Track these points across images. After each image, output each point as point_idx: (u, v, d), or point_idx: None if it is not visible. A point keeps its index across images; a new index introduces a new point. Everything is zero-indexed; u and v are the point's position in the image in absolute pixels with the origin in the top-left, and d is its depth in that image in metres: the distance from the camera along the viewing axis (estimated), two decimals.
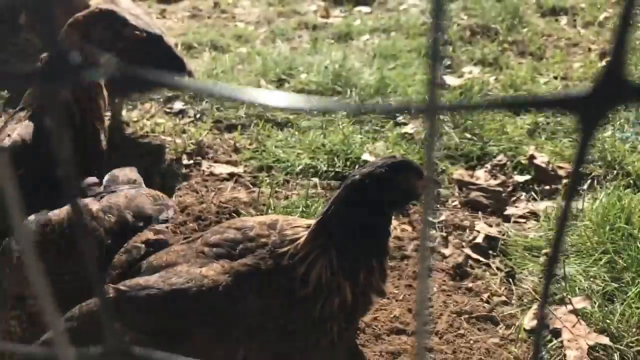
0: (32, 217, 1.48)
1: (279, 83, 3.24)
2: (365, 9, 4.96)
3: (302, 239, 1.36)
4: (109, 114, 2.70)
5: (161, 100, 2.85)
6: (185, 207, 2.06)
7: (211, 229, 1.52)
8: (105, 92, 1.96)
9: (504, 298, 1.75)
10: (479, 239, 1.98)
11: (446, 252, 1.95)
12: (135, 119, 2.78)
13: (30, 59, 3.80)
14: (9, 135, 1.75)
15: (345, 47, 4.03)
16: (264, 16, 4.72)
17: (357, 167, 2.37)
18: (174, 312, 1.36)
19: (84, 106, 1.85)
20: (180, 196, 2.17)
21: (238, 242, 1.41)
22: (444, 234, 2.05)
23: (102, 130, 1.93)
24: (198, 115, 2.83)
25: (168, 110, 2.88)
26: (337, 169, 2.36)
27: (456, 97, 3.17)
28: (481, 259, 1.92)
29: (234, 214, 1.99)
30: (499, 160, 2.51)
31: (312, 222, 1.40)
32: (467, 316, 1.66)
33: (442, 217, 2.15)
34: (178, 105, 2.92)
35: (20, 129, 1.77)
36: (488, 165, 2.50)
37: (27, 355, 0.76)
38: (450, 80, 3.43)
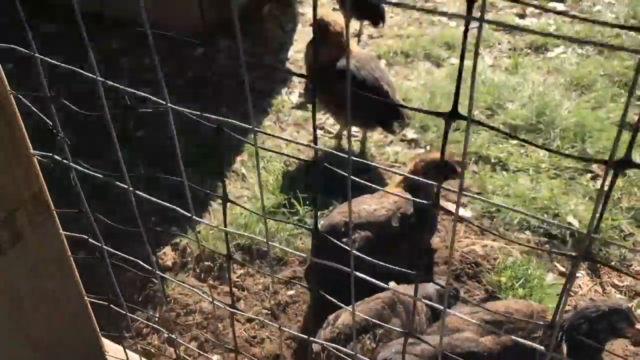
0: None
1: (489, 114, 3.87)
2: (559, 5, 5.26)
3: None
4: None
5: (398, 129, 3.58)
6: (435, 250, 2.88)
7: (486, 306, 2.33)
8: None
9: None
10: None
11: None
12: (380, 144, 3.58)
13: (271, 48, 4.65)
14: None
15: (542, 62, 4.50)
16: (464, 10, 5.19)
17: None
18: None
19: None
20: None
21: (504, 323, 2.22)
22: (629, 300, 2.74)
23: None
24: (428, 147, 3.58)
25: (403, 138, 3.65)
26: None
27: None
28: None
29: (474, 265, 2.80)
30: None
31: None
32: None
33: (626, 282, 2.83)
34: (410, 133, 3.67)
35: None
36: None
37: None
38: None
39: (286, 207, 3.06)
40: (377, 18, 4.35)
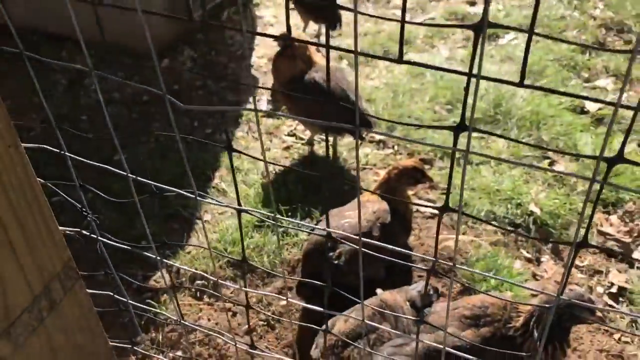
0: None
1: (449, 109, 4.09)
2: None
3: (520, 321, 2.40)
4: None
5: (364, 134, 3.77)
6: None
7: (463, 301, 2.56)
8: None
9: (628, 339, 2.76)
10: (614, 289, 2.94)
11: (592, 297, 2.93)
12: (350, 148, 3.77)
13: (234, 55, 4.75)
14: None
15: (495, 51, 4.74)
16: (417, 1, 5.40)
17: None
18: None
19: None
20: None
21: (481, 316, 2.46)
22: (589, 279, 3.02)
23: None
24: (396, 148, 3.78)
25: (371, 139, 3.84)
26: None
27: (595, 124, 3.94)
28: (614, 305, 2.90)
29: (449, 260, 3.03)
30: (629, 208, 3.37)
31: (528, 309, 2.42)
32: (605, 353, 2.69)
33: (586, 262, 3.11)
34: (378, 135, 3.86)
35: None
36: (619, 211, 3.38)
37: None
38: (589, 105, 4.15)
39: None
40: (333, 20, 4.50)
